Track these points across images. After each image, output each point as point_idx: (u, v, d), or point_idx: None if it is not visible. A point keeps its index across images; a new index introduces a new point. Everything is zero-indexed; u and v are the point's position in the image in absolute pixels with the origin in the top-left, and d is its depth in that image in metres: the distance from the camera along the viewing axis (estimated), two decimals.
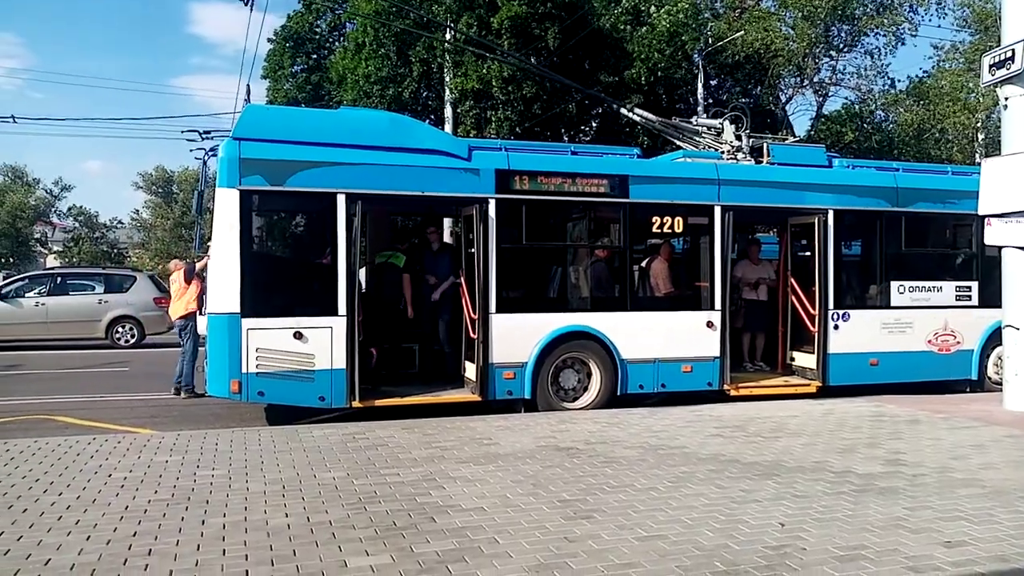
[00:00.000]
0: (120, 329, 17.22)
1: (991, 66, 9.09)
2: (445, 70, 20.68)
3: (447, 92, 20.85)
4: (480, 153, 8.68)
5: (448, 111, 20.90)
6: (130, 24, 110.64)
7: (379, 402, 8.23)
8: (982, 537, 4.46)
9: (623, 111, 12.29)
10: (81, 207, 53.28)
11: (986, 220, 9.09)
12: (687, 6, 21.47)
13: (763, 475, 5.79)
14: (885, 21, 24.02)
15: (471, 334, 8.54)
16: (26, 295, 17.05)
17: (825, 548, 4.25)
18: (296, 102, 25.21)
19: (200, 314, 9.61)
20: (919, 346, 10.02)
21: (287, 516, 4.73)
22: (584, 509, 4.91)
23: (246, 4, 9.92)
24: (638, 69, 20.82)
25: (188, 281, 10.35)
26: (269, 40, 27.91)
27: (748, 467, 6.04)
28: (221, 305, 7.67)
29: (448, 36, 20.35)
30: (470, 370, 8.64)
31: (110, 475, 5.66)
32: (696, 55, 23.27)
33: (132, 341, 17.22)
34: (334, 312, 7.92)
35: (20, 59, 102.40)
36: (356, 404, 8.02)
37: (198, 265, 10.51)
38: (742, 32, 22.75)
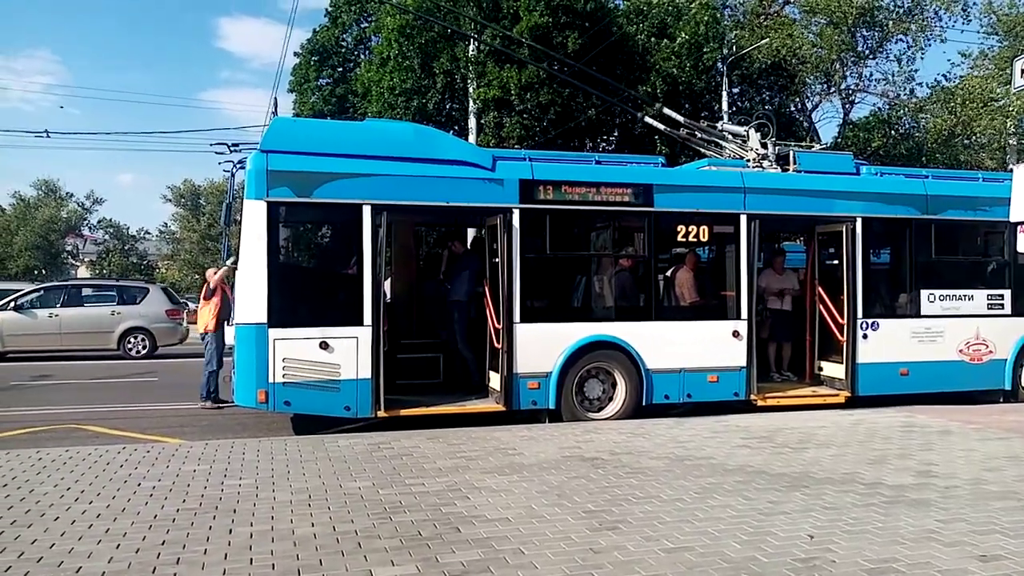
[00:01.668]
0: (132, 340, 17.35)
1: None
2: (469, 80, 20.83)
3: (471, 103, 20.99)
4: (504, 163, 8.71)
5: (472, 122, 21.04)
6: (160, 40, 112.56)
7: (404, 412, 8.25)
8: (1018, 551, 4.35)
9: (648, 119, 12.24)
10: (111, 220, 54.43)
11: (1019, 227, 8.93)
12: (707, 18, 21.50)
13: (791, 486, 5.72)
14: (913, 27, 23.78)
15: (495, 344, 8.54)
16: (41, 306, 17.26)
17: (855, 561, 4.18)
18: (322, 114, 25.53)
19: (227, 324, 9.69)
20: (950, 355, 9.85)
21: (313, 526, 4.75)
22: (610, 520, 4.88)
23: None
24: (654, 80, 20.87)
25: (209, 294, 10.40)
26: (296, 54, 28.37)
27: (776, 478, 5.97)
28: (249, 315, 7.75)
29: (472, 47, 20.50)
30: (494, 380, 8.64)
31: (139, 484, 5.73)
32: (720, 63, 23.21)
33: (143, 352, 17.34)
34: (360, 322, 7.96)
35: (55, 75, 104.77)
36: (381, 414, 8.05)
37: (210, 275, 10.51)
38: (767, 40, 22.63)
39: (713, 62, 22.45)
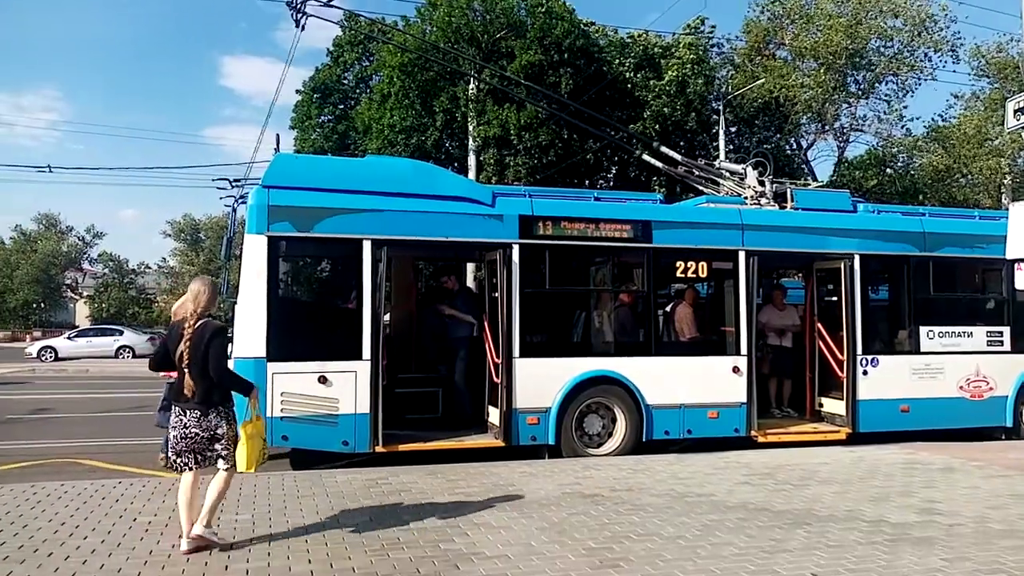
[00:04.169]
0: None
1: (1016, 111, 9.07)
2: (469, 119, 21.09)
3: (470, 140, 21.23)
4: (504, 199, 8.77)
5: (472, 159, 21.26)
6: (165, 78, 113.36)
7: (403, 447, 8.18)
8: None
9: (645, 156, 12.37)
10: (111, 254, 54.49)
11: (1016, 264, 8.97)
12: (692, 57, 22.00)
13: (794, 524, 5.66)
14: (902, 68, 24.15)
15: (495, 378, 8.51)
16: None
17: None
18: (323, 151, 25.79)
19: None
20: (951, 392, 9.82)
21: (311, 563, 4.69)
22: (611, 558, 4.82)
23: (297, 24, 10.23)
24: (647, 118, 21.19)
25: None
26: (298, 92, 28.77)
27: (778, 515, 5.91)
28: (248, 350, 7.71)
29: (472, 86, 20.79)
30: (494, 415, 8.60)
31: (135, 519, 5.67)
32: (714, 102, 23.57)
33: None
34: (359, 356, 7.94)
35: (59, 112, 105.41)
36: (379, 449, 7.98)
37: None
38: (761, 80, 23.00)
39: (702, 100, 22.81)
